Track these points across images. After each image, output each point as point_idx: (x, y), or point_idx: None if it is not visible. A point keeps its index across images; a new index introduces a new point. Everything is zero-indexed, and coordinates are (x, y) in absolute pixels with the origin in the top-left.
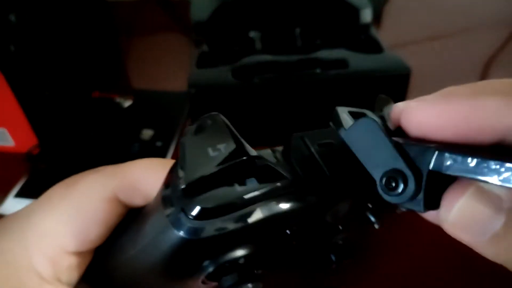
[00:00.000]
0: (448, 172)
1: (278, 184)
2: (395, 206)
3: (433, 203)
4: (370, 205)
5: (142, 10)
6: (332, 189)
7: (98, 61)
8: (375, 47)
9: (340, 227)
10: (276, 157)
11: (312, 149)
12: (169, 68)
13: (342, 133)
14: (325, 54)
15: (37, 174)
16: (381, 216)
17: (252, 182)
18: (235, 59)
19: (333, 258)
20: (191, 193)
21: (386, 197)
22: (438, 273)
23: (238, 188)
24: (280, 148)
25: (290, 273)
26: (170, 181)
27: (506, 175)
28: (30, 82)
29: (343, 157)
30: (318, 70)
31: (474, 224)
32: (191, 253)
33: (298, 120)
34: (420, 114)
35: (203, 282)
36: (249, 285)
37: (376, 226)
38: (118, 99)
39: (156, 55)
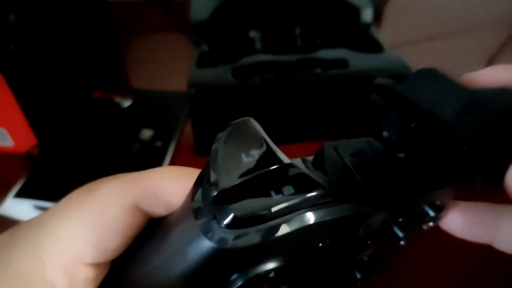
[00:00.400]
0: None
1: (315, 193)
2: (424, 219)
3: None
4: (401, 220)
5: (142, 10)
6: (368, 200)
7: (97, 61)
8: (375, 47)
9: (369, 242)
10: (307, 167)
11: (346, 159)
12: (169, 68)
13: (399, 87)
14: (325, 53)
15: (37, 174)
16: (409, 232)
17: (288, 190)
18: (235, 59)
19: (358, 275)
20: (224, 201)
21: (463, 133)
22: None
23: (274, 196)
24: (310, 158)
25: None
26: (199, 188)
27: None
28: (30, 82)
29: (377, 167)
30: (318, 70)
31: None
32: (220, 264)
33: (298, 120)
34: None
35: None
36: None
37: (402, 243)
38: (117, 99)
39: (156, 55)
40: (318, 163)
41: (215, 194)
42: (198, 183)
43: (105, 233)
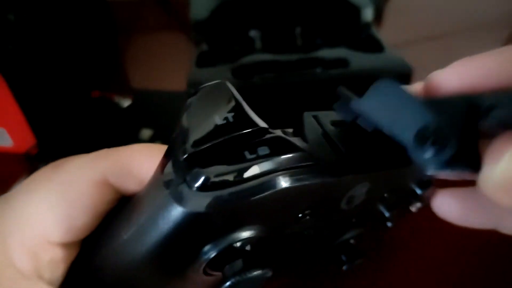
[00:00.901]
0: (492, 121)
1: (292, 155)
2: (411, 198)
3: (475, 163)
4: (386, 195)
5: (142, 9)
6: (349, 166)
7: (97, 60)
8: (376, 46)
9: (354, 220)
10: (287, 135)
11: (326, 128)
12: (168, 68)
13: (357, 104)
14: (325, 53)
15: None
16: (395, 213)
17: (263, 151)
18: (235, 58)
19: (344, 258)
20: (195, 163)
21: (422, 160)
22: (453, 275)
23: (248, 155)
24: (291, 130)
25: (298, 276)
26: (170, 158)
27: None
28: (29, 81)
29: (359, 136)
30: (318, 69)
31: None
32: (192, 233)
33: (298, 119)
34: (452, 71)
35: (205, 273)
36: (257, 272)
37: (389, 224)
38: (117, 99)
39: (155, 54)
40: (299, 132)
41: (185, 156)
42: (169, 153)
43: (73, 209)
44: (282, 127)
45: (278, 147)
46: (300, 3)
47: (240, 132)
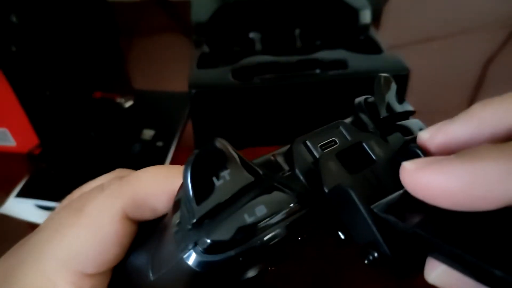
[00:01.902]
0: (428, 254)
1: (286, 209)
2: None
3: (415, 266)
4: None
5: (143, 11)
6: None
7: (99, 61)
8: (374, 48)
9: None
10: (279, 163)
11: (315, 153)
12: (169, 69)
13: (325, 192)
14: (324, 54)
15: (39, 174)
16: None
17: (260, 210)
18: (235, 59)
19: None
20: (201, 227)
21: (367, 262)
22: None
23: (247, 218)
24: (282, 150)
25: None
26: (179, 207)
27: (480, 274)
28: (32, 82)
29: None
30: (317, 71)
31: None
32: (205, 282)
33: (298, 120)
34: (414, 180)
35: None
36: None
37: (398, 278)
38: (119, 99)
39: (156, 56)
40: (290, 161)
41: (193, 222)
42: (177, 204)
43: (101, 247)
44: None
45: (274, 203)
46: (299, 5)
47: (237, 189)
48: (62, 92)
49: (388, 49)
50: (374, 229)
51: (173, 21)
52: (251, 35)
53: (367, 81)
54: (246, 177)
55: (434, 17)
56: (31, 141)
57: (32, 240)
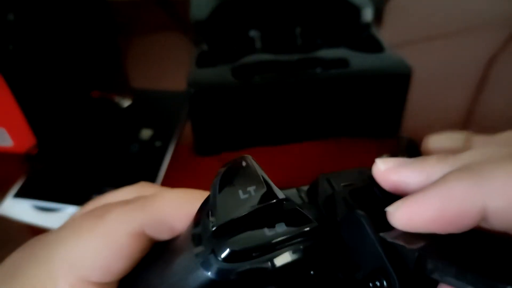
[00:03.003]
0: (432, 276)
1: (306, 228)
2: None
3: None
4: None
5: (142, 9)
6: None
7: (97, 60)
8: (376, 46)
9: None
10: (301, 197)
11: (336, 190)
12: (168, 68)
13: (338, 221)
14: (325, 53)
15: (36, 174)
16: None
17: (281, 227)
18: (235, 58)
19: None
20: (221, 235)
21: None
22: None
23: (267, 232)
24: (305, 188)
25: None
26: (200, 220)
27: None
28: (29, 81)
29: (369, 200)
30: (318, 70)
31: None
32: None
33: (298, 120)
34: (399, 218)
35: None
36: None
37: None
38: (117, 99)
39: (155, 55)
40: (312, 194)
41: (213, 229)
42: (199, 215)
43: (111, 257)
44: (282, 128)
45: (293, 220)
46: (300, 3)
47: (261, 205)
48: (60, 91)
49: (390, 48)
50: (382, 254)
51: (172, 20)
52: (251, 33)
53: (369, 80)
54: (271, 196)
55: (435, 16)
56: (28, 141)
57: (49, 237)
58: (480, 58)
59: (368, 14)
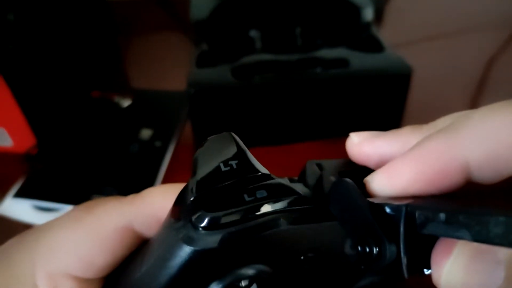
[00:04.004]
0: (423, 231)
1: (291, 198)
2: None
3: (421, 264)
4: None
5: (142, 9)
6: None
7: (97, 60)
8: (376, 46)
9: (363, 267)
10: (292, 181)
11: (325, 170)
12: (168, 68)
13: (325, 193)
14: (325, 53)
15: (36, 174)
16: (410, 259)
17: (261, 194)
18: (235, 58)
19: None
20: (200, 206)
21: (363, 265)
22: None
23: (246, 198)
24: (295, 178)
25: None
26: (180, 202)
27: (477, 229)
28: (29, 81)
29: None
30: (318, 70)
31: (471, 285)
32: (198, 270)
33: (298, 120)
34: (378, 183)
35: None
36: None
37: (405, 274)
38: (117, 99)
39: (155, 54)
40: (301, 178)
41: (191, 199)
42: (179, 198)
43: (95, 250)
44: (283, 127)
45: (276, 191)
46: (300, 3)
47: (242, 177)
48: (60, 91)
49: (390, 48)
50: (371, 217)
51: (172, 19)
52: (251, 33)
53: (369, 80)
54: (253, 169)
55: (435, 16)
56: (28, 141)
57: (40, 226)
58: (480, 58)
59: (368, 14)
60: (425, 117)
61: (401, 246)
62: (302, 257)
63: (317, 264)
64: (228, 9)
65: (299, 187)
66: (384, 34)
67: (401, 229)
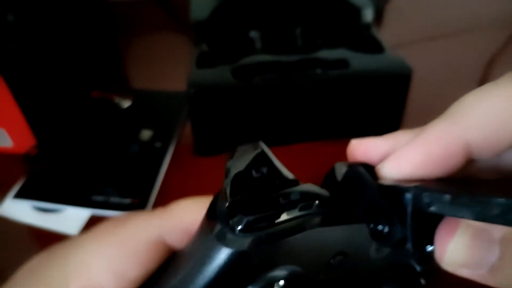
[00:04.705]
0: (429, 210)
1: (321, 202)
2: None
3: (424, 241)
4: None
5: (142, 10)
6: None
7: (97, 60)
8: (376, 47)
9: (386, 273)
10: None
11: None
12: (168, 68)
13: (338, 181)
14: (325, 54)
15: (36, 175)
16: (428, 268)
17: (295, 196)
18: (235, 59)
19: None
20: (237, 209)
21: (377, 242)
22: None
23: (282, 201)
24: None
25: None
26: (213, 208)
27: (478, 209)
28: (29, 82)
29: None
30: (318, 70)
31: (470, 262)
32: (235, 271)
33: (298, 120)
34: (389, 168)
35: None
36: None
37: (423, 281)
38: (117, 99)
39: (155, 55)
40: (328, 180)
41: (227, 204)
42: (213, 205)
43: (127, 264)
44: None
45: (307, 194)
46: (300, 3)
47: (274, 183)
48: (60, 92)
49: (390, 48)
50: (381, 198)
51: (172, 20)
52: (251, 33)
53: (369, 81)
54: (284, 174)
55: (436, 16)
56: (28, 141)
57: (70, 241)
58: (480, 58)
59: (368, 15)
60: (425, 117)
61: (408, 223)
62: (331, 261)
63: (346, 268)
64: (228, 10)
65: (324, 192)
66: (384, 34)
67: (409, 208)
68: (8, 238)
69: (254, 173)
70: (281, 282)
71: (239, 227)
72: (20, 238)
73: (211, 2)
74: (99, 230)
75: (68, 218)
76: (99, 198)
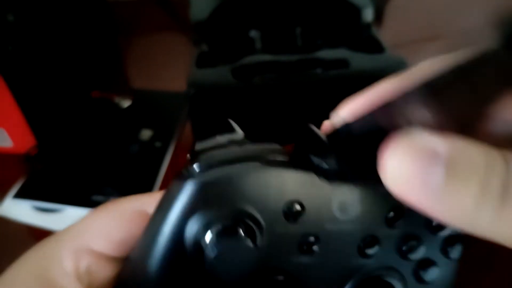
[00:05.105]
0: (358, 132)
1: (275, 147)
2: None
3: (367, 172)
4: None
5: (142, 10)
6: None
7: (97, 60)
8: (376, 47)
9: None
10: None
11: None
12: (168, 68)
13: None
14: (326, 54)
15: (36, 175)
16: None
17: (252, 145)
18: (235, 59)
19: None
20: (196, 160)
21: (321, 177)
22: None
23: (238, 150)
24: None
25: None
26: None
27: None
28: (29, 82)
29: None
30: (318, 70)
31: (412, 181)
32: (195, 205)
33: (298, 120)
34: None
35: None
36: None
37: (351, 180)
38: (117, 99)
39: (155, 55)
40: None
41: (191, 153)
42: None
43: (116, 227)
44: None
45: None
46: (300, 3)
47: (235, 140)
48: (60, 92)
49: (390, 48)
50: (319, 138)
51: (172, 20)
52: (251, 33)
53: (369, 81)
54: (242, 136)
55: (436, 16)
56: (28, 141)
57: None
58: None
59: (368, 15)
60: None
61: (339, 151)
62: (287, 208)
63: (307, 222)
64: (228, 10)
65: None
66: (384, 34)
67: (342, 137)
68: (8, 238)
69: (218, 137)
70: (241, 231)
71: (198, 169)
72: (20, 238)
73: (211, 2)
74: (97, 208)
75: (68, 218)
76: (99, 198)
